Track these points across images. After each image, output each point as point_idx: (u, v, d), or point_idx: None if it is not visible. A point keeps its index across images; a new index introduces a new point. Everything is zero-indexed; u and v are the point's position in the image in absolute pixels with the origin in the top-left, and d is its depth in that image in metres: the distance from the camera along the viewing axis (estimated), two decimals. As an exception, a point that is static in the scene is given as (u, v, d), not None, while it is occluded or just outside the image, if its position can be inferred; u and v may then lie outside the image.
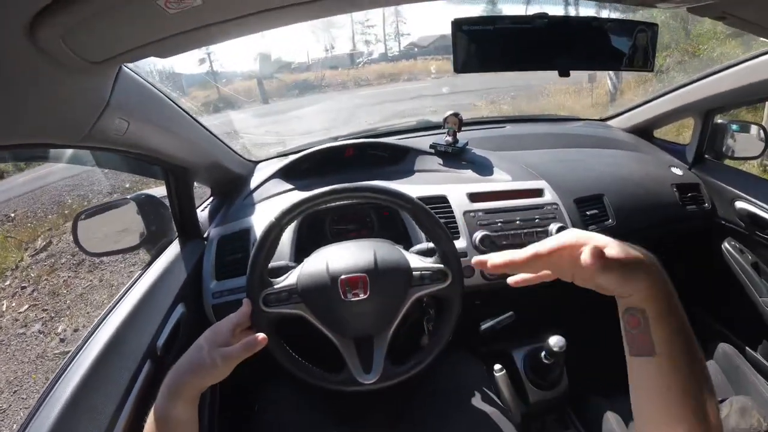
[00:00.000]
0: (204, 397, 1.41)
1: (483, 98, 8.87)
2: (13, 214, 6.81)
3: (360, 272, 1.11)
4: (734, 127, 1.90)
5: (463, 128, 1.81)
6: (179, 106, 1.28)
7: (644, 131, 2.19)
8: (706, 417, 0.58)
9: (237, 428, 1.45)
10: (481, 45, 0.86)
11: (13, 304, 4.93)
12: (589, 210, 1.62)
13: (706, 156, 1.95)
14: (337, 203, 1.18)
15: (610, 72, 7.34)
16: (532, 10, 0.87)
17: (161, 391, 0.82)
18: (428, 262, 1.18)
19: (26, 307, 4.82)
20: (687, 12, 0.88)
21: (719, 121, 1.90)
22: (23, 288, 5.19)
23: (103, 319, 1.14)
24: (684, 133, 3.17)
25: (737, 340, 1.84)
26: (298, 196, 1.14)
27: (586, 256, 0.61)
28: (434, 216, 1.16)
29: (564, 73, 0.91)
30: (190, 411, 0.84)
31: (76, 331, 4.35)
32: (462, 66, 0.86)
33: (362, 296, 1.10)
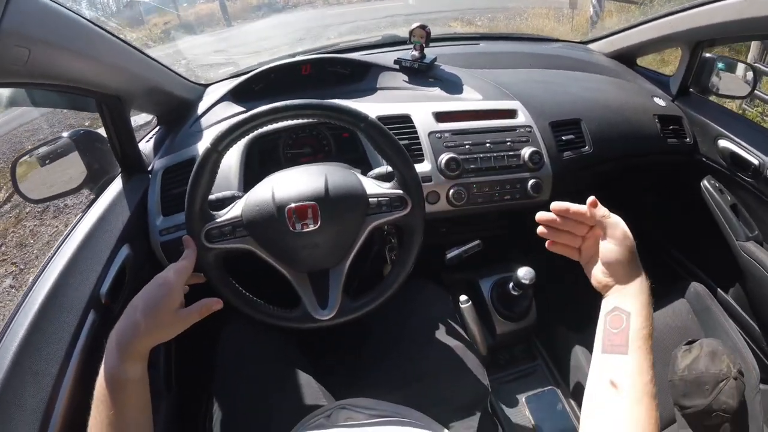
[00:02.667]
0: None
1: (459, 19, 8.74)
2: (-29, 169, 6.48)
3: (309, 200, 1.02)
4: (720, 64, 1.80)
5: (431, 44, 1.67)
6: (100, 27, 1.13)
7: (627, 58, 2.08)
8: (655, 418, 0.63)
9: (195, 369, 1.40)
10: None
11: (-18, 263, 4.78)
12: (564, 135, 1.53)
13: (691, 90, 1.87)
14: (285, 123, 1.07)
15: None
16: None
17: (109, 351, 0.76)
18: (386, 188, 1.09)
19: (-4, 263, 4.68)
20: None
21: (707, 55, 1.79)
22: (-10, 244, 5.02)
23: (42, 272, 1.03)
24: (663, 68, 3.08)
25: (710, 281, 1.81)
26: (239, 116, 1.02)
27: (617, 223, 0.76)
28: (391, 135, 1.05)
29: None
30: (142, 368, 0.79)
31: (47, 281, 4.19)
32: None
33: (312, 227, 1.01)
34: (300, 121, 1.11)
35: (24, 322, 0.91)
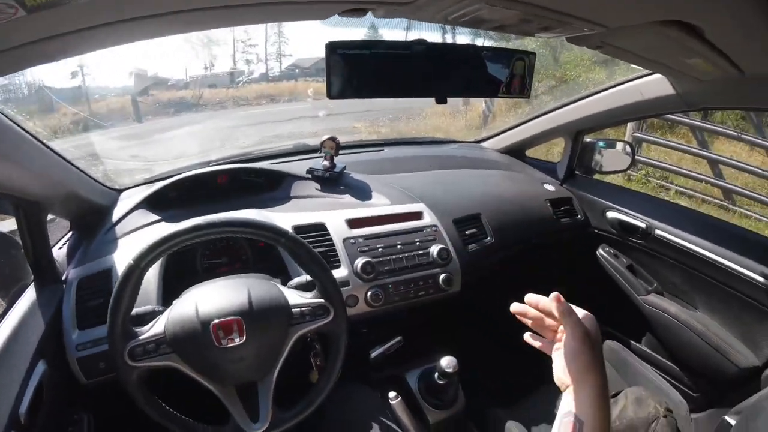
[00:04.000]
0: None
1: (362, 120, 8.98)
2: None
3: (233, 315, 1.03)
4: (601, 144, 2.06)
5: (340, 152, 1.78)
6: (24, 130, 1.12)
7: (517, 152, 2.31)
8: None
9: None
10: (356, 70, 0.84)
11: None
12: (468, 229, 1.66)
13: (577, 172, 2.10)
14: (204, 239, 1.08)
15: (486, 97, 7.77)
16: (411, 36, 0.86)
17: None
18: (308, 297, 1.13)
19: None
20: (564, 41, 0.91)
21: (587, 139, 2.05)
22: None
23: None
24: (553, 149, 3.34)
25: (622, 336, 1.97)
26: (160, 232, 1.03)
27: (577, 322, 0.74)
28: (310, 249, 1.11)
29: (441, 100, 0.92)
30: None
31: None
32: (336, 92, 0.84)
33: (238, 341, 1.02)
34: (219, 236, 1.13)
35: None
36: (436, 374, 1.45)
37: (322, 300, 1.11)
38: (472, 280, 1.56)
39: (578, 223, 1.94)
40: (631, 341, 1.93)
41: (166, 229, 1.04)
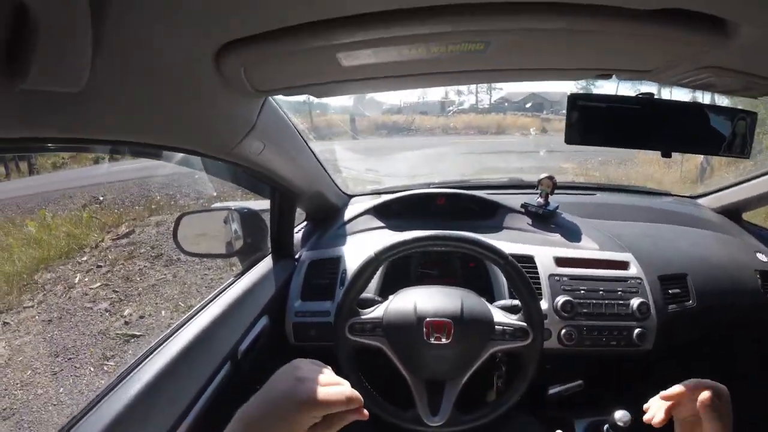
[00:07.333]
0: None
1: (570, 160, 8.72)
2: (101, 198, 7.25)
3: (446, 317, 1.18)
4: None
5: (555, 191, 1.83)
6: (302, 137, 1.42)
7: (733, 213, 2.14)
8: None
9: None
10: (592, 121, 0.93)
11: (86, 279, 5.24)
12: (671, 288, 1.61)
13: (794, 245, 1.89)
14: (435, 248, 1.25)
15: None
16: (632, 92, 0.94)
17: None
18: (512, 319, 1.24)
19: (98, 284, 5.13)
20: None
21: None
22: (99, 266, 5.49)
23: (192, 318, 1.23)
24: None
25: None
26: (403, 235, 1.23)
27: (705, 397, 0.74)
28: (526, 276, 1.21)
29: (666, 155, 0.97)
30: None
31: (141, 317, 4.57)
32: (573, 138, 0.93)
33: (444, 341, 1.16)
34: (451, 249, 1.28)
35: (169, 352, 1.05)
36: (606, 426, 1.42)
37: (525, 324, 1.21)
38: (665, 341, 1.53)
39: None
40: None
41: (410, 233, 1.22)
